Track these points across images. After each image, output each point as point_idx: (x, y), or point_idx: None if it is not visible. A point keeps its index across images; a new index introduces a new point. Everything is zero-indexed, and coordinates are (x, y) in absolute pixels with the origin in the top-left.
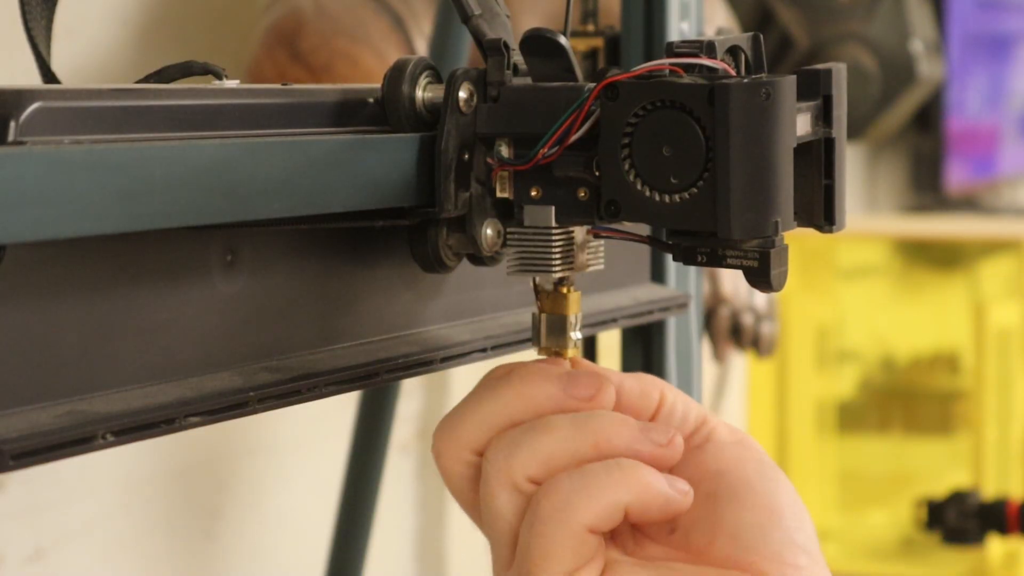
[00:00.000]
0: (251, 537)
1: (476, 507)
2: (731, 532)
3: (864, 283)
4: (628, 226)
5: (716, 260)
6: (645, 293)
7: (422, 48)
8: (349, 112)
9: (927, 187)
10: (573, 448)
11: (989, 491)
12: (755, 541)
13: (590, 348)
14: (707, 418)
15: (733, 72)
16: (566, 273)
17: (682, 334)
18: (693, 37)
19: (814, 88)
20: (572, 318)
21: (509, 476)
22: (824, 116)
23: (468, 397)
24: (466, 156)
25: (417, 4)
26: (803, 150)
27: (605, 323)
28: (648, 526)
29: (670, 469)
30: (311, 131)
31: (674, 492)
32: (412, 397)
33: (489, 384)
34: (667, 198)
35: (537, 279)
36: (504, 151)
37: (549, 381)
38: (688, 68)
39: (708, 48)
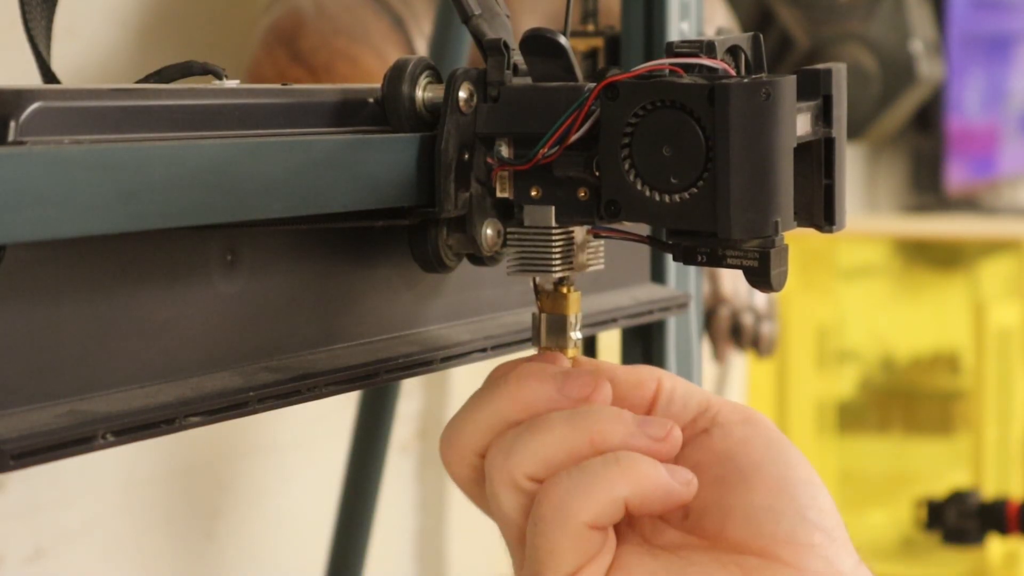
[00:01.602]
0: (251, 537)
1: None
2: (742, 516)
3: (864, 283)
4: (628, 226)
5: (716, 260)
6: (645, 293)
7: (422, 48)
8: (349, 112)
9: (927, 187)
10: (569, 445)
11: (989, 491)
12: (766, 524)
13: (590, 348)
14: (711, 401)
15: (733, 72)
16: (566, 273)
17: (682, 334)
18: (693, 37)
19: (814, 88)
20: (572, 318)
21: (509, 476)
22: (824, 116)
23: (469, 401)
24: (466, 156)
25: (417, 4)
26: (803, 150)
27: (605, 323)
28: (664, 512)
29: (677, 457)
30: (311, 131)
31: (675, 483)
32: (412, 397)
33: (488, 386)
34: (667, 198)
35: (537, 279)
36: (504, 151)
37: (544, 382)
38: (688, 68)
39: (708, 48)
